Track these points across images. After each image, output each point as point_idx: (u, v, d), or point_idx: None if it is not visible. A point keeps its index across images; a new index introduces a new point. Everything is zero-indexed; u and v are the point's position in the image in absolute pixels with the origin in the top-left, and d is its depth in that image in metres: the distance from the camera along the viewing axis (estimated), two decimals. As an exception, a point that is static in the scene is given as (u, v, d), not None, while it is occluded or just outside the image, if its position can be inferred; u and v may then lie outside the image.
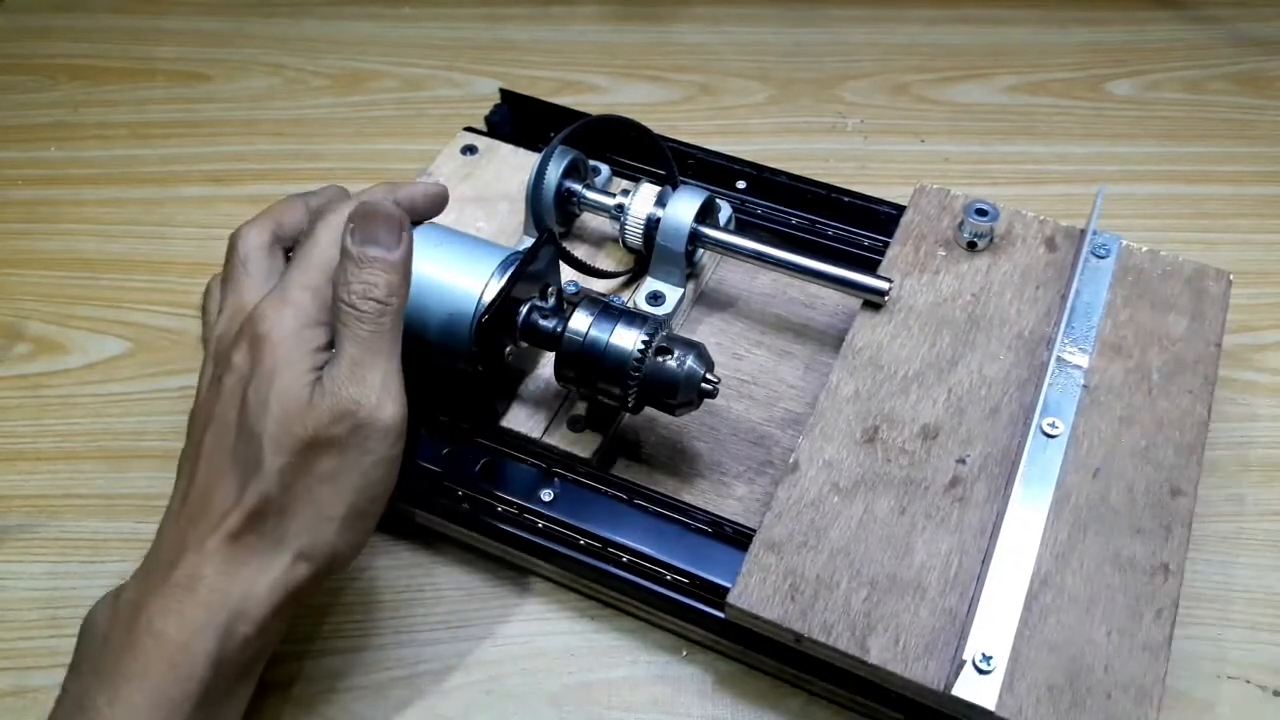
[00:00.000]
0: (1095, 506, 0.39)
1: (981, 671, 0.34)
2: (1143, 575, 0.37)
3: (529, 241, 0.46)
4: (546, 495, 0.42)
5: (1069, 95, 0.67)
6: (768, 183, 0.54)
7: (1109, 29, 0.71)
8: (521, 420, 0.44)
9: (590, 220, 0.52)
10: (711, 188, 0.51)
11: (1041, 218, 0.49)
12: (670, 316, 0.48)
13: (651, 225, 0.47)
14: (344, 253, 0.35)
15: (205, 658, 0.32)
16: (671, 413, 0.41)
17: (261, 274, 0.38)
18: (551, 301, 0.43)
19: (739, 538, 0.40)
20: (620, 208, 0.48)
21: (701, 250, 0.50)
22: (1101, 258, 0.46)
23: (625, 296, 0.49)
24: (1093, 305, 0.44)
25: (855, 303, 0.46)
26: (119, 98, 0.66)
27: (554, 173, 0.49)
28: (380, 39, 0.71)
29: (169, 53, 0.70)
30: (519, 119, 0.59)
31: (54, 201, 0.60)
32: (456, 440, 0.43)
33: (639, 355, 0.39)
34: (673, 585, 0.40)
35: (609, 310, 0.40)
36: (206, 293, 0.40)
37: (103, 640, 0.33)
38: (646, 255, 0.49)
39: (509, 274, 0.40)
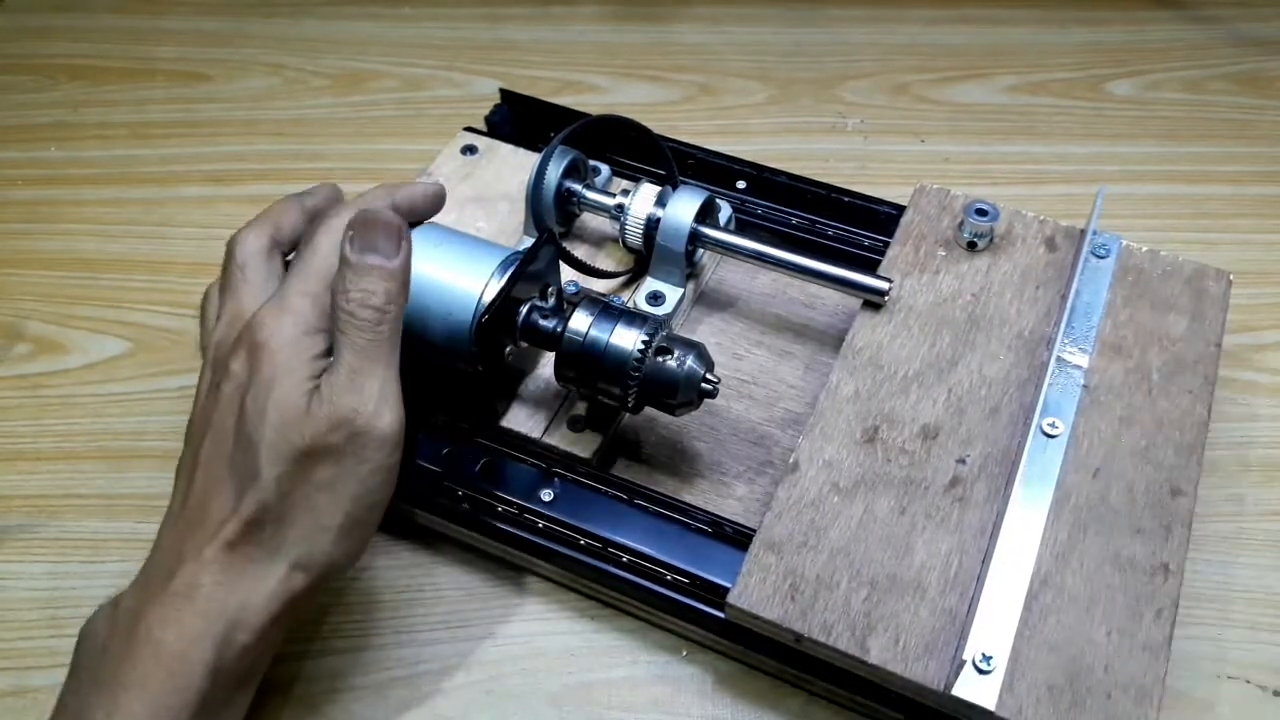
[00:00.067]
0: (1095, 506, 0.39)
1: (981, 671, 0.34)
2: (1143, 575, 0.37)
3: (529, 241, 0.46)
4: (546, 495, 0.42)
5: (1069, 95, 0.67)
6: (768, 183, 0.54)
7: (1109, 29, 0.71)
8: (521, 420, 0.44)
9: (590, 220, 0.52)
10: (711, 188, 0.51)
11: (1041, 218, 0.49)
12: (670, 316, 0.48)
13: (651, 225, 0.47)
14: (343, 260, 0.35)
15: (203, 667, 0.32)
16: (671, 413, 0.41)
17: (260, 280, 0.38)
18: (551, 301, 0.43)
19: (739, 538, 0.40)
20: (620, 208, 0.48)
21: (701, 250, 0.50)
22: (1101, 258, 0.46)
23: (625, 296, 0.49)
24: (1093, 305, 0.44)
25: (855, 303, 0.46)
26: (119, 98, 0.66)
27: (554, 173, 0.49)
28: (380, 39, 0.71)
29: (169, 53, 0.70)
30: (519, 119, 0.59)
31: (54, 201, 0.60)
32: (456, 440, 0.43)
33: (639, 355, 0.39)
34: (673, 585, 0.40)
35: (609, 310, 0.40)
36: (205, 299, 0.40)
37: (101, 649, 0.33)
38: (646, 255, 0.49)
39: (509, 274, 0.40)
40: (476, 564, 0.44)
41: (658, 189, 0.48)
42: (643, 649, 0.41)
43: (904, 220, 0.49)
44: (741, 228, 0.51)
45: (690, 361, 0.40)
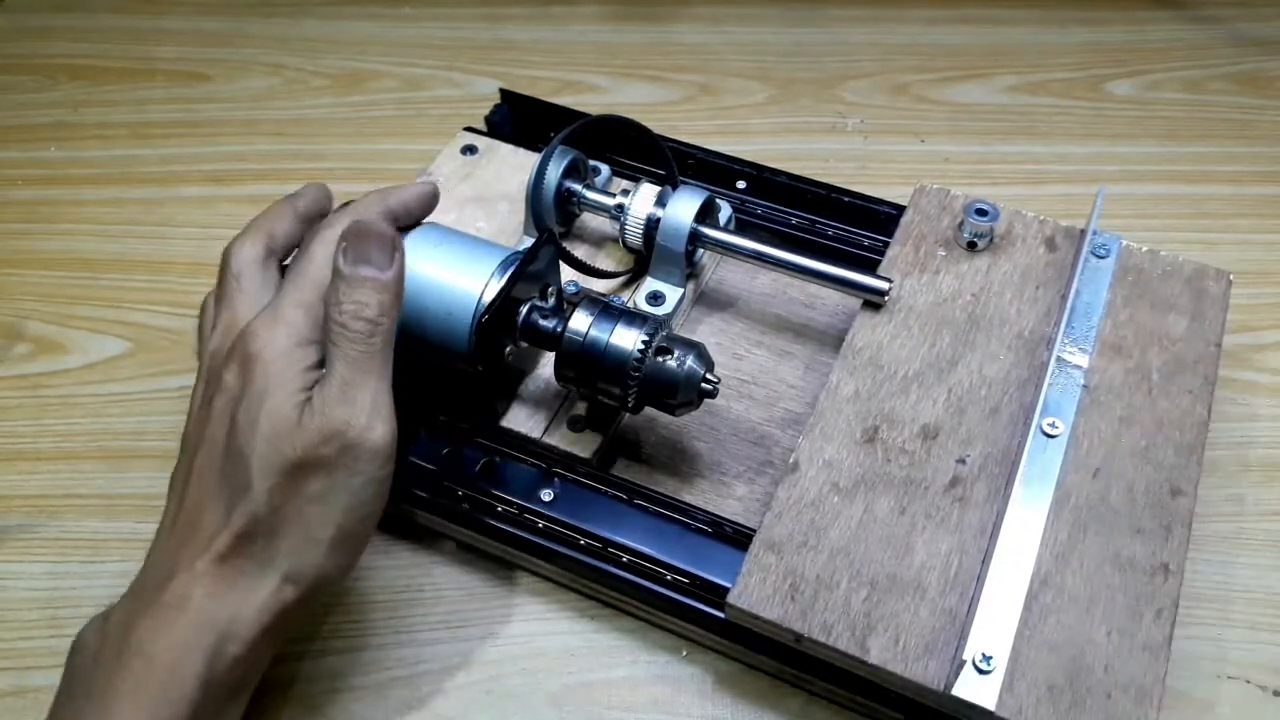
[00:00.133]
0: (1095, 506, 0.39)
1: (981, 671, 0.34)
2: (1143, 575, 0.37)
3: (529, 241, 0.46)
4: (546, 495, 0.42)
5: (1069, 95, 0.67)
6: (768, 183, 0.54)
7: (1109, 29, 0.71)
8: (521, 420, 0.44)
9: (590, 220, 0.52)
10: (711, 188, 0.51)
11: (1041, 218, 0.49)
12: (670, 316, 0.48)
13: (651, 225, 0.47)
14: (336, 272, 0.35)
15: (194, 679, 0.32)
16: (671, 413, 0.41)
17: (255, 289, 0.38)
18: (551, 301, 0.43)
19: (739, 538, 0.40)
20: (620, 208, 0.48)
21: (701, 250, 0.50)
22: (1101, 258, 0.46)
23: (625, 296, 0.49)
24: (1093, 305, 0.44)
25: (855, 303, 0.46)
26: (119, 98, 0.66)
27: (554, 173, 0.49)
28: (380, 39, 0.71)
29: (169, 53, 0.70)
30: (519, 119, 0.59)
31: (54, 201, 0.60)
32: (456, 440, 0.43)
33: (639, 355, 0.39)
34: (673, 585, 0.40)
35: (609, 310, 0.40)
36: (202, 309, 0.40)
37: (92, 661, 0.33)
38: (646, 255, 0.49)
39: (509, 274, 0.40)
40: (476, 564, 0.44)
41: (658, 189, 0.48)
42: (643, 649, 0.41)
43: (904, 220, 0.49)
44: (741, 228, 0.51)
45: (690, 361, 0.40)
